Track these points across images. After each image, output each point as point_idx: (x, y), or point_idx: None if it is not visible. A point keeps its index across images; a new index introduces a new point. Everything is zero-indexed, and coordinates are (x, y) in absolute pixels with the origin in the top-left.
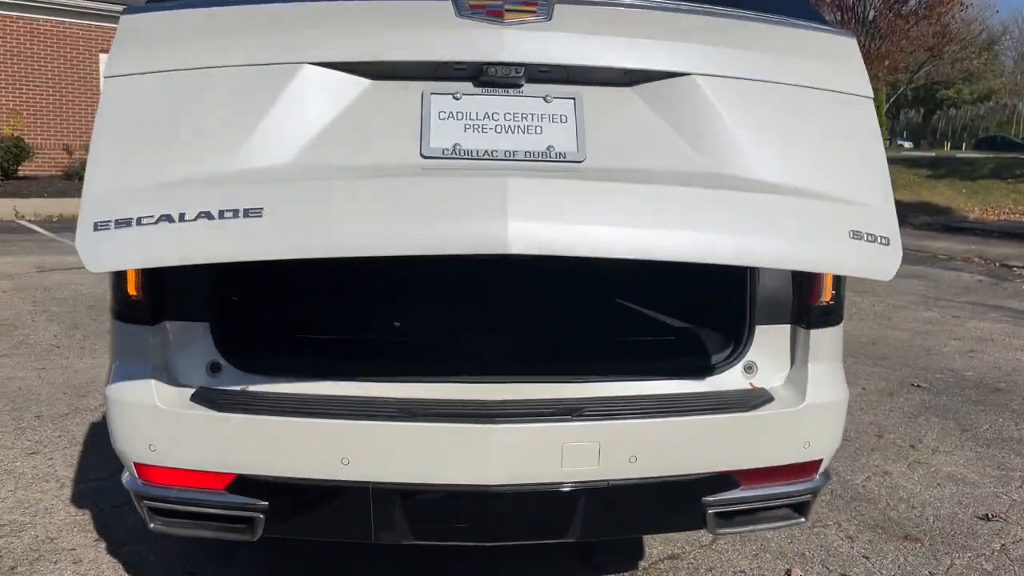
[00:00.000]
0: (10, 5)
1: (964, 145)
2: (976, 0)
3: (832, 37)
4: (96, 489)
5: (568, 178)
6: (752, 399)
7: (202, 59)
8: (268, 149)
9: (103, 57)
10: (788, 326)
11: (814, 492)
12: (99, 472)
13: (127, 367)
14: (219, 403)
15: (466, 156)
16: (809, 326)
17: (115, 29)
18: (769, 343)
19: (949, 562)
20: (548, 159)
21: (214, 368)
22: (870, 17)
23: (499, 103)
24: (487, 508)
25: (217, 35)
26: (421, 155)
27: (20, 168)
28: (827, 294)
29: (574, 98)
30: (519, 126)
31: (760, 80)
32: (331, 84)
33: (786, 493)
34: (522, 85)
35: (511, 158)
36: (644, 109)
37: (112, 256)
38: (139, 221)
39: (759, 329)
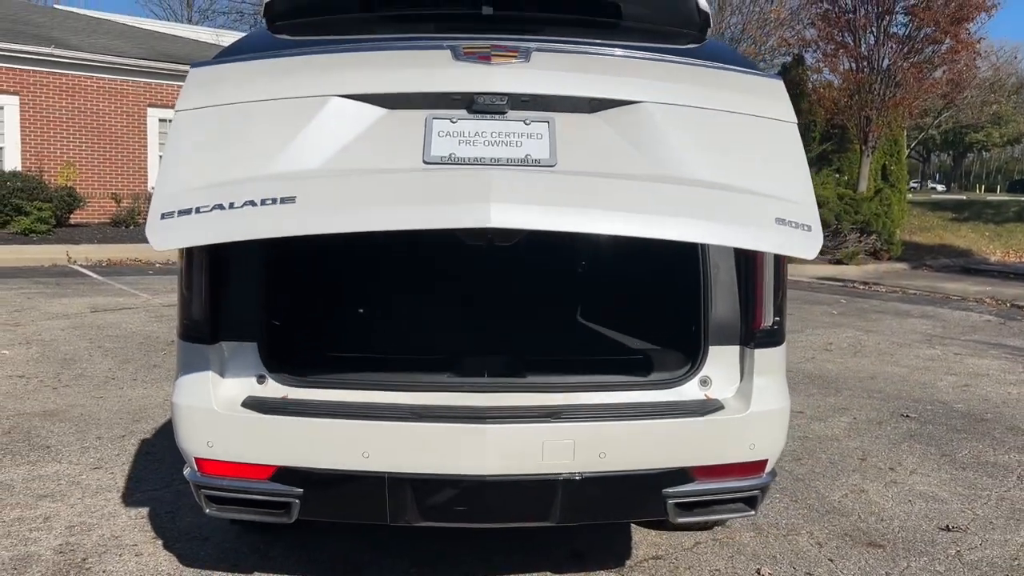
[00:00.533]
0: (68, 64)
1: (999, 188)
2: (1000, 45)
3: (762, 79)
4: (152, 498)
5: (540, 174)
6: (705, 407)
7: (251, 94)
8: (301, 158)
9: (151, 111)
10: (737, 347)
11: (762, 488)
12: (154, 484)
13: (190, 378)
14: (264, 408)
15: (460, 162)
16: (755, 347)
17: (163, 85)
18: (722, 361)
19: (906, 564)
20: (526, 164)
21: (260, 379)
22: (884, 65)
23: (487, 125)
24: (482, 494)
25: (263, 76)
26: (423, 161)
27: (72, 216)
28: (769, 320)
29: (548, 121)
30: (503, 141)
31: (700, 107)
32: (354, 111)
33: (737, 488)
34: (506, 112)
35: (496, 163)
36: (605, 128)
37: (174, 236)
38: (197, 210)
39: (713, 349)
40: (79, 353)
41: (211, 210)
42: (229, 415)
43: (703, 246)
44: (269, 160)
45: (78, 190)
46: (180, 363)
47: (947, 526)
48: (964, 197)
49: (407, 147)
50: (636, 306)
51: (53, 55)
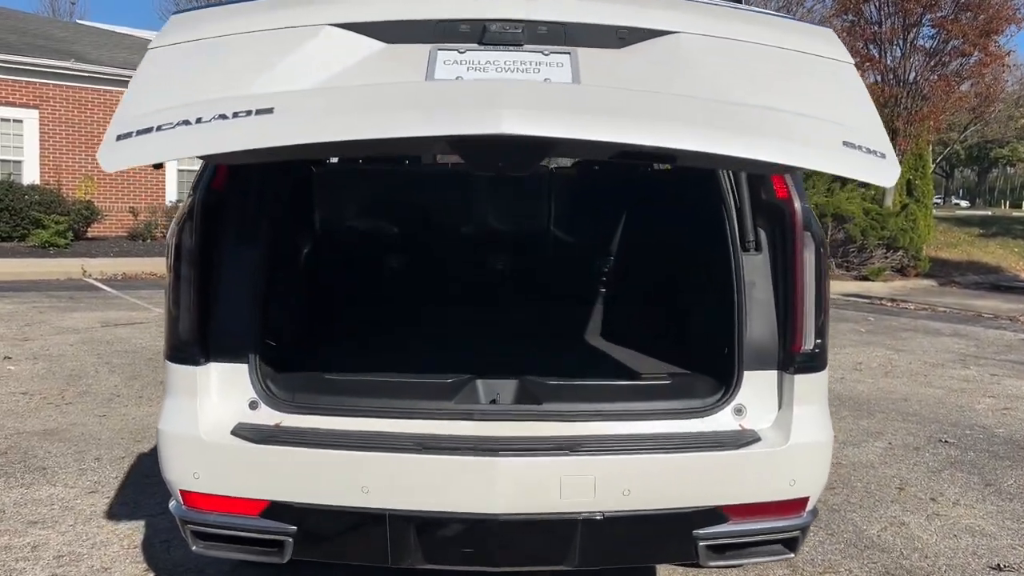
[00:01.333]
0: (87, 78)
1: None
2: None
3: (812, 26)
4: (147, 525)
5: (561, 85)
6: (740, 439)
7: (233, 28)
8: (287, 81)
9: None
10: (775, 372)
11: (802, 529)
12: (150, 510)
13: (176, 403)
14: (256, 436)
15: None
16: (794, 372)
17: None
18: (757, 387)
19: None
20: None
21: (253, 405)
22: (911, 79)
23: (500, 56)
24: (493, 535)
25: (248, 12)
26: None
27: (89, 229)
28: (810, 342)
29: (570, 52)
30: (518, 69)
31: (746, 41)
32: (347, 43)
33: (775, 528)
34: (521, 44)
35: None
36: (636, 61)
37: (127, 156)
38: (159, 128)
39: (747, 374)
40: (86, 369)
41: (175, 126)
42: (217, 444)
43: (736, 258)
44: (249, 83)
45: (96, 203)
46: (166, 386)
47: (998, 565)
48: (990, 212)
49: (408, 71)
50: (663, 326)
51: (72, 69)
